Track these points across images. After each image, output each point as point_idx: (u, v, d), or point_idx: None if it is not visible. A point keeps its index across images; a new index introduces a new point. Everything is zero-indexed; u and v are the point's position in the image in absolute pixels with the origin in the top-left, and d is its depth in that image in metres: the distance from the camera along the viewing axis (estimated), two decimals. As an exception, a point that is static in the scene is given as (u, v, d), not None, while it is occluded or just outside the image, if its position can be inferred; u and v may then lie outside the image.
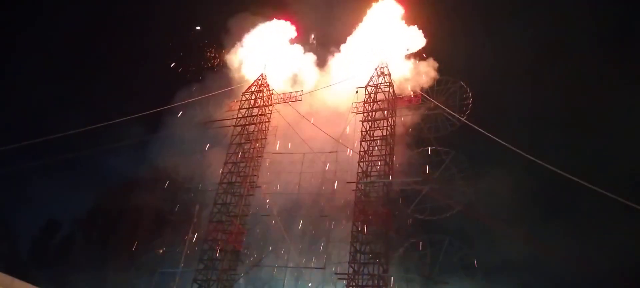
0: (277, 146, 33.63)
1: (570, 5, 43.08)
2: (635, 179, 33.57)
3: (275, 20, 38.32)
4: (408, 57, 34.45)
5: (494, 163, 32.40)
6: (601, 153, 38.23)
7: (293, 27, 38.04)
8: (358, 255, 27.13)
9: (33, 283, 18.80)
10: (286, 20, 38.22)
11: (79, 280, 37.48)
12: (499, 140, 26.57)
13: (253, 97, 34.84)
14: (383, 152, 30.07)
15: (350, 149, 31.05)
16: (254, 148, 32.42)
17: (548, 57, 44.48)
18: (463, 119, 30.26)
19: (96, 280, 37.20)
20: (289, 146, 33.49)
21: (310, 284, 29.56)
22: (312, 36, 38.01)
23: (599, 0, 43.73)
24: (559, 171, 25.40)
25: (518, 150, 27.11)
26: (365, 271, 26.57)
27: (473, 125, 28.81)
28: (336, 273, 27.50)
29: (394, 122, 31.91)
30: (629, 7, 43.33)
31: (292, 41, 37.99)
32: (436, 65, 33.67)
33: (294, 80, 36.71)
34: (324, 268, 28.13)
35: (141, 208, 35.55)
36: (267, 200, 31.65)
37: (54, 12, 53.11)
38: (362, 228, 27.96)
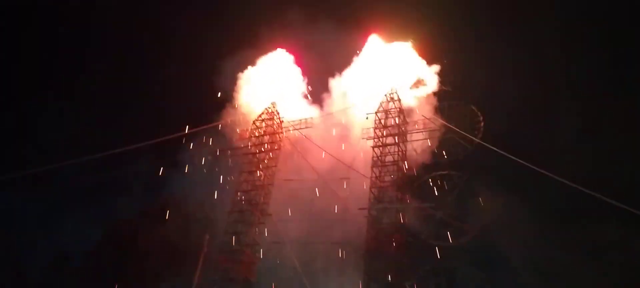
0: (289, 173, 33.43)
1: (578, 22, 43.32)
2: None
3: (278, 49, 38.83)
4: (417, 82, 34.47)
5: (508, 185, 31.92)
6: (621, 168, 37.62)
7: (292, 57, 38.45)
8: (371, 283, 26.59)
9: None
10: (289, 50, 38.79)
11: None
12: (516, 159, 26.10)
13: (263, 125, 34.94)
14: (394, 177, 29.82)
15: (362, 175, 30.77)
16: (265, 175, 32.31)
17: (558, 74, 44.49)
18: (477, 140, 29.97)
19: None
20: (300, 171, 33.28)
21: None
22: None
23: (608, 16, 43.80)
24: (579, 187, 24.85)
25: (536, 168, 26.63)
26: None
27: (488, 145, 28.49)
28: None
29: (405, 147, 31.75)
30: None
31: (299, 69, 38.37)
32: (446, 89, 33.60)
33: (303, 108, 36.74)
34: (337, 296, 27.53)
35: (151, 239, 35.24)
36: (279, 229, 31.23)
37: (67, 52, 54.19)
38: (375, 256, 27.49)
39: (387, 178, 30.13)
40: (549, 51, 45.60)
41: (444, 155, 31.88)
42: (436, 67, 34.23)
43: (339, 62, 36.92)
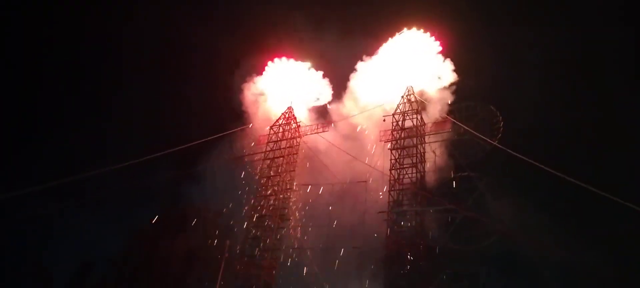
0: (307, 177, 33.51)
1: (597, 23, 42.46)
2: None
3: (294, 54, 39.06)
4: (435, 84, 34.12)
5: (528, 186, 31.43)
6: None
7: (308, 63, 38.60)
8: (392, 286, 26.39)
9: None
10: (305, 54, 38.94)
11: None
12: (536, 163, 25.73)
13: (281, 129, 35.08)
14: (414, 180, 29.58)
15: (381, 178, 30.59)
16: (283, 180, 32.42)
17: (576, 75, 43.68)
18: (495, 143, 29.52)
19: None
20: (318, 175, 33.31)
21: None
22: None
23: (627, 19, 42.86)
24: (599, 191, 24.44)
25: (554, 171, 26.25)
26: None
27: (507, 149, 28.06)
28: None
29: (424, 149, 31.46)
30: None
31: (315, 72, 38.43)
32: (464, 91, 33.26)
33: (319, 112, 36.82)
34: (358, 301, 27.43)
35: (173, 246, 35.70)
36: (298, 233, 31.31)
37: (86, 54, 55.31)
38: (395, 260, 27.29)
39: (405, 181, 29.86)
40: (570, 51, 44.91)
41: (463, 157, 31.50)
42: (455, 68, 33.88)
43: (354, 64, 36.95)
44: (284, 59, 38.70)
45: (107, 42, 55.41)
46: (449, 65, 33.76)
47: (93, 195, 34.47)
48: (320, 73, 38.06)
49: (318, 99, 37.48)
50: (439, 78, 33.41)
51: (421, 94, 33.73)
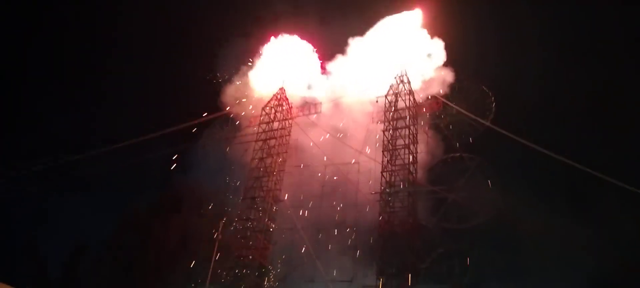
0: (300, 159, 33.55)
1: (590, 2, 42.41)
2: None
3: (285, 35, 38.70)
4: (427, 64, 34.04)
5: (520, 166, 31.72)
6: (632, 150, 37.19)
7: (304, 42, 38.29)
8: (385, 266, 26.71)
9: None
10: (296, 34, 38.60)
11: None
12: (527, 143, 25.97)
13: (273, 111, 34.93)
14: (406, 161, 29.69)
15: (374, 159, 30.70)
16: (276, 162, 32.42)
17: (568, 54, 43.77)
18: (487, 123, 29.63)
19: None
20: (311, 157, 33.33)
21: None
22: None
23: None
24: (587, 169, 24.81)
25: (546, 151, 26.55)
26: (394, 283, 26.11)
27: (497, 128, 28.23)
28: (364, 286, 27.03)
29: (416, 130, 31.51)
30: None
31: (307, 53, 38.16)
32: (456, 71, 33.23)
33: (311, 93, 36.60)
34: (350, 281, 27.72)
35: (166, 226, 35.79)
36: (291, 214, 31.44)
37: (79, 36, 54.53)
38: (388, 239, 27.58)
39: (398, 162, 29.96)
40: (563, 32, 44.89)
41: (455, 138, 31.63)
42: (447, 48, 33.84)
43: (346, 43, 36.73)
44: (275, 38, 38.52)
45: (97, 21, 54.35)
46: (441, 46, 33.77)
47: (85, 177, 34.37)
48: (313, 56, 37.92)
49: (310, 86, 37.16)
50: (429, 56, 33.35)
51: (414, 75, 33.61)
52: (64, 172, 35.05)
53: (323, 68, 37.37)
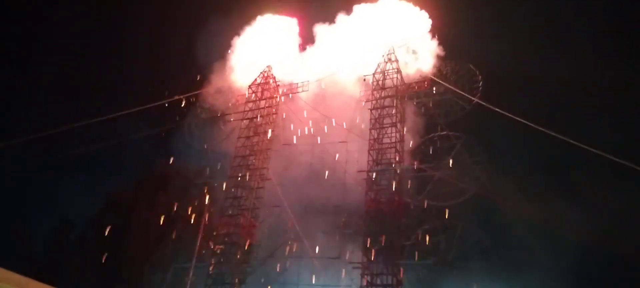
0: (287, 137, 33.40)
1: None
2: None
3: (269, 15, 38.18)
4: (415, 41, 33.91)
5: (506, 144, 32.00)
6: (618, 124, 37.80)
7: (293, 20, 37.81)
8: (372, 243, 26.95)
9: (49, 284, 18.84)
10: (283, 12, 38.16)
11: (94, 279, 37.74)
12: (514, 116, 26.17)
13: (259, 89, 34.60)
14: (393, 140, 29.76)
15: (361, 138, 30.70)
16: (263, 140, 32.24)
17: (555, 32, 43.98)
18: (475, 99, 29.77)
19: (111, 277, 37.46)
20: (298, 135, 33.20)
21: (324, 274, 29.38)
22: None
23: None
24: (573, 141, 25.09)
25: (534, 125, 26.77)
26: (380, 259, 26.40)
27: (486, 105, 28.49)
28: (351, 263, 27.29)
29: (403, 108, 31.57)
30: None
31: (295, 32, 37.79)
32: (443, 49, 33.19)
33: (298, 71, 36.23)
34: (338, 258, 27.94)
35: (152, 205, 35.64)
36: (278, 192, 31.41)
37: (66, 11, 53.16)
38: (375, 217, 27.79)
39: (385, 140, 30.02)
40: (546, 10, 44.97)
41: (442, 116, 31.76)
42: (435, 27, 33.72)
43: (334, 19, 36.34)
44: (264, 16, 38.01)
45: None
46: (428, 22, 33.71)
47: (68, 153, 33.84)
48: (301, 29, 37.55)
49: (297, 64, 36.76)
50: (417, 34, 33.24)
51: (401, 53, 33.50)
52: (48, 149, 34.50)
53: (309, 45, 37.04)
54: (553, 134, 25.44)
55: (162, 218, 34.42)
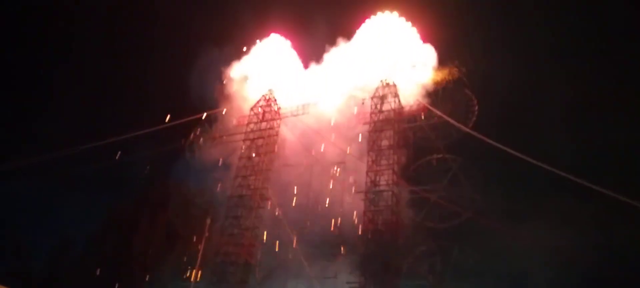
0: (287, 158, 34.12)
1: (574, 9, 43.70)
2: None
3: (274, 35, 39.28)
4: (414, 66, 34.82)
5: (502, 168, 32.60)
6: (611, 155, 38.39)
7: (288, 42, 38.94)
8: (368, 263, 27.38)
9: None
10: (285, 35, 39.25)
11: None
12: (504, 148, 26.94)
13: (261, 111, 35.44)
14: (390, 162, 30.42)
15: (359, 159, 31.41)
16: (263, 161, 32.91)
17: (554, 59, 44.97)
18: (467, 129, 30.46)
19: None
20: (298, 156, 33.93)
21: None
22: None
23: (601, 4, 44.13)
24: (565, 174, 25.79)
25: (524, 157, 27.50)
26: (377, 279, 26.79)
27: (477, 135, 29.14)
28: (348, 282, 27.68)
29: (401, 131, 32.27)
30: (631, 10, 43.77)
31: (295, 55, 38.88)
32: (442, 71, 34.00)
33: (299, 94, 37.12)
34: (335, 277, 28.34)
35: (154, 224, 36.05)
36: (278, 212, 31.96)
37: (71, 30, 54.29)
38: (372, 237, 28.27)
39: (382, 162, 30.69)
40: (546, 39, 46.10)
41: (439, 139, 32.43)
42: (432, 52, 34.71)
43: (334, 44, 37.41)
44: (264, 40, 39.14)
45: (87, 21, 54.22)
46: (427, 50, 34.65)
47: (72, 173, 34.47)
48: (303, 53, 38.65)
49: (297, 87, 37.68)
50: (416, 59, 34.19)
51: (400, 78, 34.37)
52: (50, 168, 35.11)
53: (310, 68, 38.06)
54: (544, 166, 26.17)
55: (162, 237, 34.84)
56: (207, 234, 29.81)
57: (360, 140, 32.52)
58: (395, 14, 36.45)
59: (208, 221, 29.99)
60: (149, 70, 53.32)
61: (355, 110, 33.57)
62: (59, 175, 36.63)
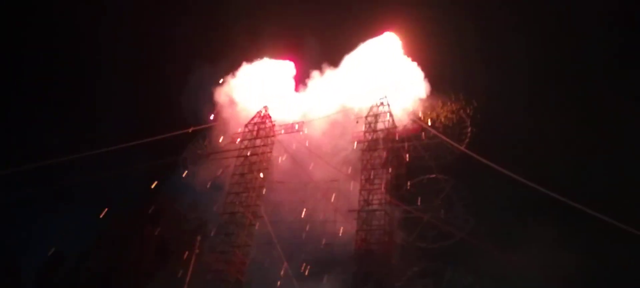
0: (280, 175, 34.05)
1: (568, 28, 44.24)
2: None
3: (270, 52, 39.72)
4: (408, 87, 35.06)
5: (496, 188, 32.59)
6: (607, 178, 38.45)
7: (289, 63, 39.30)
8: (361, 283, 27.13)
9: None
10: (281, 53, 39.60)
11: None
12: (499, 168, 26.99)
13: (255, 128, 35.47)
14: (383, 181, 30.38)
15: (352, 178, 31.40)
16: (256, 178, 32.80)
17: (548, 79, 45.36)
18: (462, 148, 30.56)
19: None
20: (291, 174, 33.86)
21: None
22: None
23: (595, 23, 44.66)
24: (560, 197, 25.81)
25: (518, 178, 27.54)
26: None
27: (472, 154, 29.22)
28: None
29: (394, 150, 32.31)
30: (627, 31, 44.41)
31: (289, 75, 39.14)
32: (436, 91, 34.28)
33: (293, 112, 37.24)
34: (326, 297, 28.07)
35: (144, 240, 35.78)
36: (270, 230, 31.74)
37: (62, 38, 54.38)
38: (365, 256, 28.06)
39: (376, 181, 30.64)
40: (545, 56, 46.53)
41: (432, 159, 32.44)
42: (427, 71, 35.04)
43: (331, 62, 37.67)
44: (262, 58, 39.47)
45: (81, 32, 54.32)
46: (421, 70, 34.95)
47: (61, 185, 34.28)
48: (298, 70, 38.90)
49: (292, 105, 37.82)
50: (410, 79, 34.44)
51: (394, 97, 34.57)
52: (41, 179, 34.95)
53: (305, 86, 38.27)
54: (538, 187, 26.22)
55: (153, 253, 34.52)
56: (197, 250, 29.48)
57: (353, 159, 32.58)
58: (391, 34, 36.86)
59: (199, 238, 29.69)
60: (139, 85, 53.25)
61: (349, 129, 33.59)
62: (49, 187, 36.36)
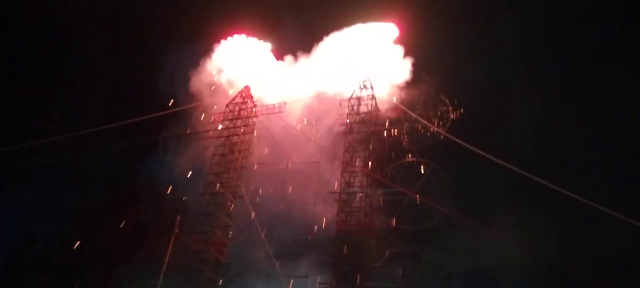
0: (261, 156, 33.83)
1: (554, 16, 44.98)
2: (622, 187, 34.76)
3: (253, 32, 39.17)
4: (391, 70, 35.12)
5: (476, 173, 33.11)
6: (585, 161, 39.46)
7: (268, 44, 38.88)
8: (340, 264, 27.36)
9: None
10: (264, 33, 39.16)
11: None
12: (478, 150, 27.38)
13: (237, 108, 35.08)
14: (364, 163, 30.54)
15: (334, 160, 31.48)
16: (237, 159, 32.55)
17: (531, 65, 46.09)
18: (442, 132, 30.89)
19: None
20: (272, 154, 33.70)
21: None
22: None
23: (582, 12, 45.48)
24: (540, 180, 26.40)
25: (499, 160, 28.02)
26: (348, 280, 26.76)
27: (451, 137, 29.59)
28: (319, 283, 27.55)
29: (376, 133, 32.45)
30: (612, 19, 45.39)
31: (273, 53, 38.76)
32: (419, 74, 34.43)
33: (276, 91, 36.93)
34: (306, 276, 28.18)
35: (122, 220, 35.18)
36: (251, 211, 31.61)
37: (35, 17, 52.60)
38: (344, 238, 28.27)
39: (357, 164, 30.79)
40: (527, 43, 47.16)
41: (413, 143, 32.72)
42: (409, 56, 35.11)
43: (312, 44, 37.38)
44: (241, 36, 38.82)
45: (55, 11, 52.51)
46: (402, 53, 35.05)
47: (37, 165, 33.41)
48: (281, 50, 38.53)
49: (276, 78, 37.51)
50: (394, 62, 34.50)
51: (377, 80, 34.60)
52: (15, 160, 34.00)
53: (288, 67, 37.93)
54: (521, 172, 26.75)
55: (130, 233, 34.04)
56: (177, 231, 29.16)
57: (335, 141, 32.62)
58: (377, 20, 36.75)
59: (178, 218, 29.34)
60: (118, 66, 52.02)
61: (332, 111, 33.54)
62: (22, 169, 35.38)
